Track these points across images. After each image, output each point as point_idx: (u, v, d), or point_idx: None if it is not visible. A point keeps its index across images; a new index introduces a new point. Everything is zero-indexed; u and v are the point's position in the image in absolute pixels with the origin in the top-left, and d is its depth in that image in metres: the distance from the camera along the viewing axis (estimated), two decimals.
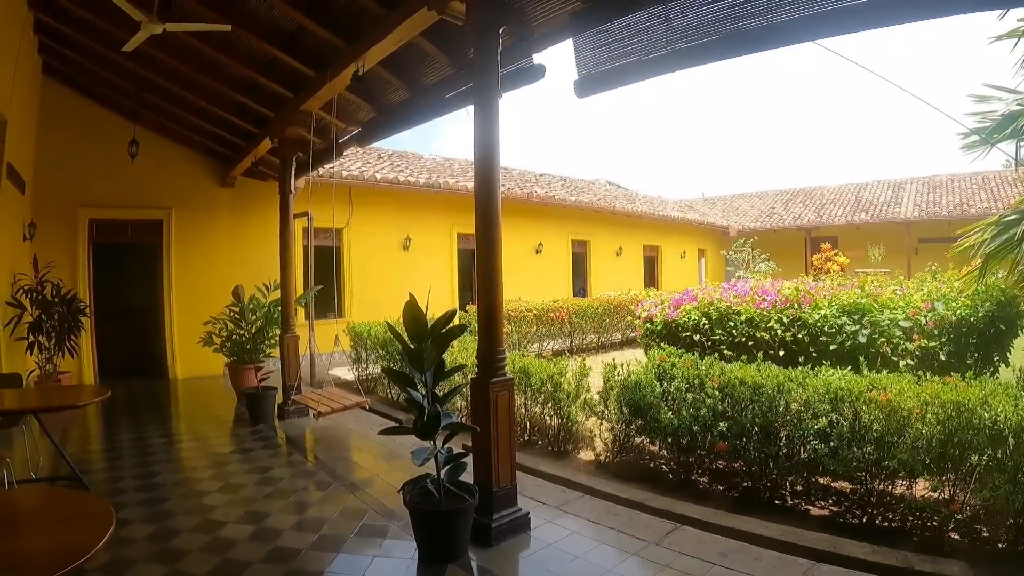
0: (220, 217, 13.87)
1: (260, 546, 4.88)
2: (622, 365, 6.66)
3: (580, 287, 21.56)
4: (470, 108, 5.33)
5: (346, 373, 12.13)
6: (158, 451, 7.73)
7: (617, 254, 22.81)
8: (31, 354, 9.90)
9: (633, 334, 17.32)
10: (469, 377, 5.34)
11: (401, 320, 4.62)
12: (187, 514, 5.56)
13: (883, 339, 7.25)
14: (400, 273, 16.16)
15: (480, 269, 5.08)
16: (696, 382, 5.97)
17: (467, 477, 4.87)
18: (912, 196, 26.63)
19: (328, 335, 12.17)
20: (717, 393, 5.70)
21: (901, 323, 7.23)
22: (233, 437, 8.46)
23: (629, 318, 16.50)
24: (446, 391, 4.86)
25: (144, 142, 12.31)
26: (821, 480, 5.45)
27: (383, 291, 15.41)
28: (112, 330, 14.23)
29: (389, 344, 10.33)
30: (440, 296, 16.52)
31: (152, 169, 12.90)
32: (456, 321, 4.69)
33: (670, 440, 5.96)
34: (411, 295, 4.54)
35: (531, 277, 18.12)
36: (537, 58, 6.00)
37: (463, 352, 8.30)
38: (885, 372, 5.42)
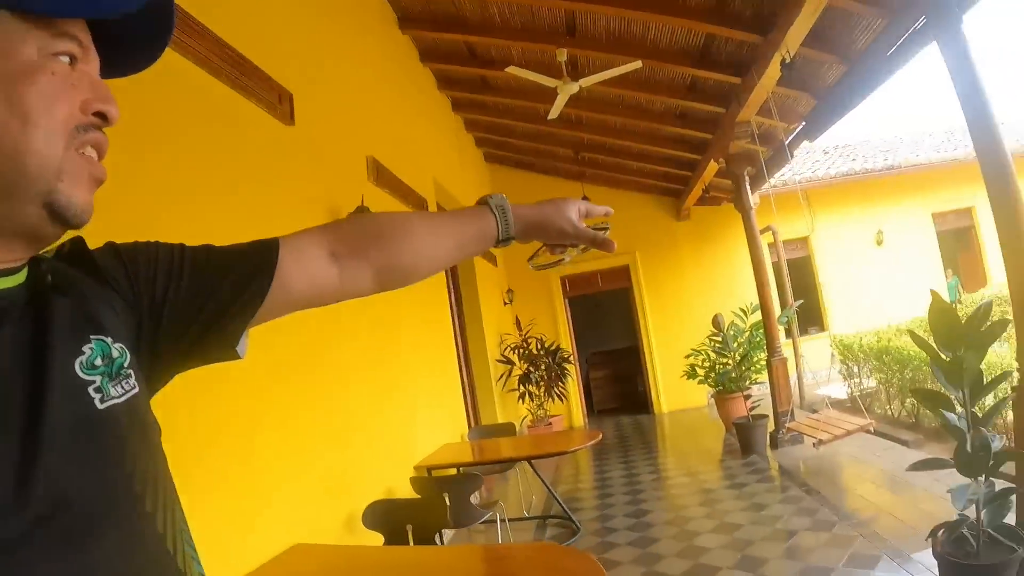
0: (682, 250, 13.84)
1: None
2: None
3: None
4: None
5: (836, 391, 11.12)
6: (647, 487, 7.65)
7: None
8: (523, 402, 10.93)
9: None
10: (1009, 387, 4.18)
11: (927, 322, 3.74)
12: (679, 556, 5.24)
13: None
14: (877, 271, 14.41)
15: (1006, 246, 3.98)
16: None
17: (1010, 517, 3.80)
18: None
19: (811, 352, 11.32)
20: None
21: None
22: (724, 470, 8.03)
23: None
24: (986, 410, 3.78)
25: (595, 197, 12.51)
26: None
27: (862, 294, 14.03)
28: (596, 373, 15.11)
29: (884, 354, 9.17)
30: (924, 290, 14.13)
31: (611, 220, 13.19)
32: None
33: None
34: (933, 292, 3.70)
35: None
36: None
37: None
38: None
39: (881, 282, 14.10)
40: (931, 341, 3.68)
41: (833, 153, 16.68)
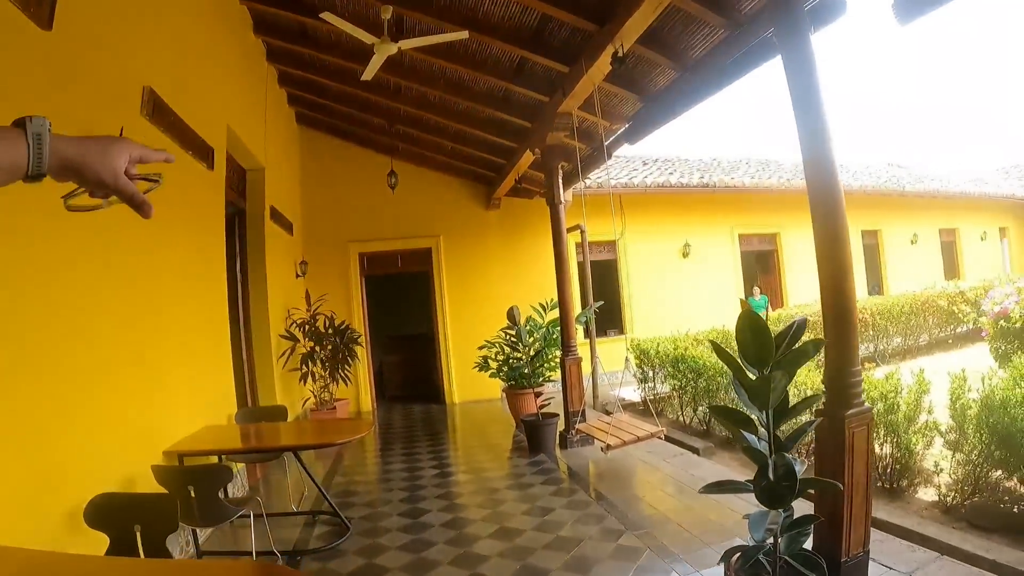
0: (489, 240, 13.56)
1: None
2: (984, 378, 5.13)
3: (874, 283, 19.04)
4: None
5: (630, 393, 11.18)
6: (429, 484, 7.24)
7: (912, 242, 19.80)
8: (304, 384, 10.17)
9: (942, 334, 15.67)
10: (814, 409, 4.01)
11: (724, 335, 3.41)
12: (454, 565, 4.86)
13: None
14: (681, 282, 15.15)
15: (823, 261, 3.82)
16: None
17: (808, 543, 3.62)
18: None
19: (610, 354, 11.33)
20: None
21: None
22: (510, 469, 7.73)
23: (935, 317, 15.22)
24: (789, 433, 3.54)
25: (405, 174, 12.34)
26: None
27: (665, 302, 14.59)
28: (390, 357, 14.61)
29: (680, 362, 9.24)
30: (724, 304, 15.11)
31: (416, 200, 12.99)
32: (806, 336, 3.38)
33: None
34: (743, 300, 3.42)
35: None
36: None
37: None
38: None
39: (683, 292, 14.89)
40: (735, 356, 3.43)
41: (652, 165, 17.37)
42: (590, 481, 7.07)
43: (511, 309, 9.38)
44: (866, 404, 3.73)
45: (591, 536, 5.25)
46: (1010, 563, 4.10)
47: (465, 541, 5.32)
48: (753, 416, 3.41)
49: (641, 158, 17.98)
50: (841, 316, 3.71)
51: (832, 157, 3.78)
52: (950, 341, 15.53)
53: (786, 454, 3.25)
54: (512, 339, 9.55)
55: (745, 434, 3.39)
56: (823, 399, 3.74)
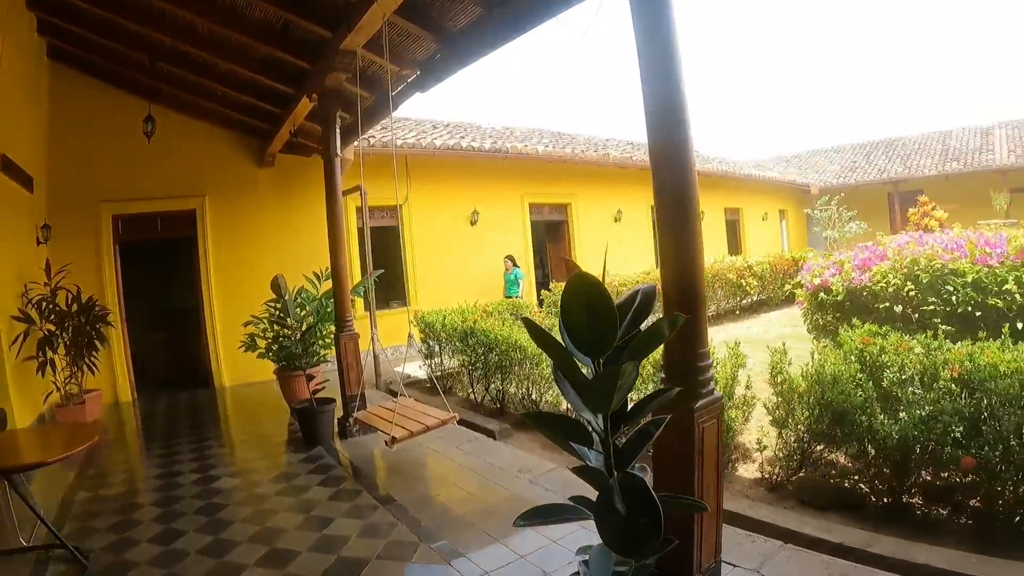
0: (262, 202, 12.17)
1: None
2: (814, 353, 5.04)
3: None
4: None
5: (416, 370, 10.36)
6: (187, 494, 5.93)
7: (700, 218, 20.83)
8: (43, 375, 8.23)
9: (728, 305, 16.36)
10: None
11: (560, 307, 2.41)
12: None
13: None
14: (469, 251, 14.63)
15: (666, 227, 3.16)
16: (927, 373, 4.36)
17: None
18: (1003, 142, 23.95)
19: (393, 327, 10.42)
20: (955, 387, 4.11)
21: None
22: (284, 468, 6.64)
23: (724, 290, 15.81)
24: (629, 439, 2.61)
25: (168, 123, 10.80)
26: None
27: (452, 271, 14.03)
28: (150, 337, 12.81)
29: (469, 336, 8.50)
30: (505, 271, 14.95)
31: (178, 154, 11.35)
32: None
33: (876, 452, 4.30)
34: (569, 262, 2.56)
35: (612, 249, 16.19)
36: None
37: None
38: None
39: (471, 261, 14.44)
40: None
41: (442, 128, 16.73)
42: (376, 479, 6.18)
43: (275, 279, 8.01)
44: (716, 392, 3.09)
45: (380, 554, 4.37)
46: (855, 544, 3.85)
47: (227, 573, 4.26)
48: (585, 418, 2.58)
49: (431, 121, 17.29)
50: (688, 289, 3.05)
51: (683, 101, 3.09)
52: (737, 312, 16.38)
53: (634, 472, 2.47)
54: (278, 313, 8.33)
55: (576, 447, 2.56)
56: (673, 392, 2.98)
